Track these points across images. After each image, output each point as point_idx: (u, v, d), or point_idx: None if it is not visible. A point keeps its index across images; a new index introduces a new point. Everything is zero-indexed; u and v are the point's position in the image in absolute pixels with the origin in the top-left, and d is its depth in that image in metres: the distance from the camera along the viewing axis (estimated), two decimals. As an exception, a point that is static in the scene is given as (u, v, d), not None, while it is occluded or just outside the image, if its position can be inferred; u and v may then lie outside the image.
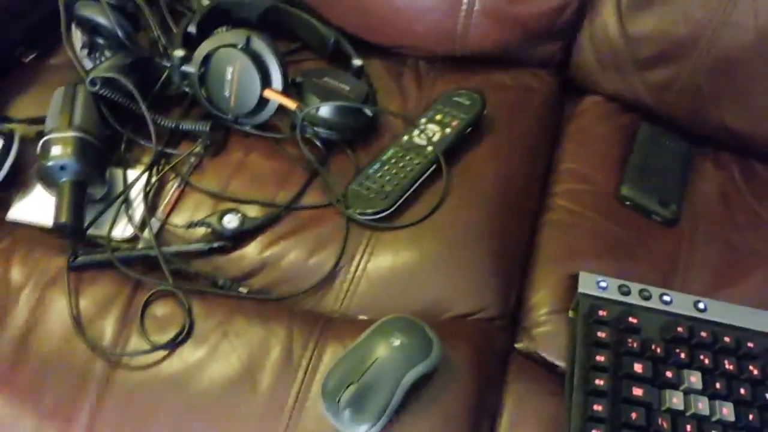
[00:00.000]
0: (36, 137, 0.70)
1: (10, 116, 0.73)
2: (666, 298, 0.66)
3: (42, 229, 0.68)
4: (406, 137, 0.75)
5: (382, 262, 0.67)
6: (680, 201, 0.75)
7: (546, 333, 0.67)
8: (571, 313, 0.66)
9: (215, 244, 0.67)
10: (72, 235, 0.65)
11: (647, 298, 0.66)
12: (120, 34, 0.75)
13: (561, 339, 0.65)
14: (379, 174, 0.71)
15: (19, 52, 0.82)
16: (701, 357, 0.61)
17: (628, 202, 0.74)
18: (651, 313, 0.64)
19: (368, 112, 0.74)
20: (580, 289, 0.65)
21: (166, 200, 0.70)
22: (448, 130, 0.75)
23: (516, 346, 0.67)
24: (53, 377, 0.59)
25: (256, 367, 0.59)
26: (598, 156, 0.79)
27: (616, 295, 0.65)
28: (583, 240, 0.72)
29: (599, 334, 0.62)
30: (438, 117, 0.76)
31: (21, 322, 0.61)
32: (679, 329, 0.63)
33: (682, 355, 0.61)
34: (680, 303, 0.66)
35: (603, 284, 0.66)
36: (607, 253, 0.70)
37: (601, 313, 0.63)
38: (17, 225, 0.69)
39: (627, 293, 0.66)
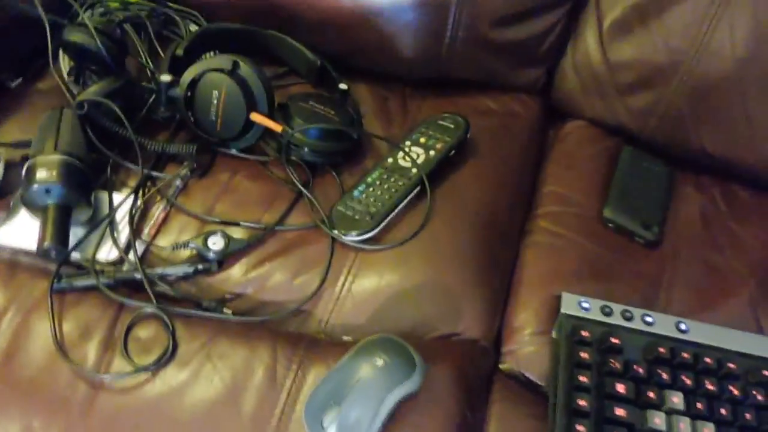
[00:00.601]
0: (21, 161, 0.70)
1: (-5, 139, 0.73)
2: (648, 319, 0.66)
3: (26, 253, 0.68)
4: (390, 159, 0.75)
5: (366, 282, 0.68)
6: (662, 223, 0.76)
7: (530, 354, 0.67)
8: (554, 334, 0.66)
9: (200, 266, 0.67)
10: (56, 258, 0.65)
11: (629, 319, 0.66)
12: (107, 59, 0.76)
13: (544, 360, 0.65)
14: (363, 195, 0.72)
15: (5, 78, 0.82)
16: (683, 377, 0.62)
17: (610, 225, 0.75)
18: (633, 334, 0.65)
19: (353, 134, 0.75)
20: (563, 310, 0.66)
21: (152, 222, 0.70)
22: (432, 152, 0.76)
23: (500, 366, 0.68)
24: (36, 401, 0.58)
25: (239, 389, 0.59)
26: (581, 179, 0.81)
27: (598, 316, 0.66)
28: (567, 261, 0.72)
29: (582, 354, 0.63)
30: (422, 140, 0.77)
31: (3, 346, 0.61)
32: (661, 350, 0.63)
33: (664, 376, 0.62)
34: (662, 324, 0.66)
35: (585, 305, 0.66)
36: (590, 274, 0.71)
37: (583, 333, 0.64)
38: (0, 248, 0.68)
39: (609, 314, 0.66)
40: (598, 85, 0.84)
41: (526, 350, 0.67)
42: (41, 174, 0.65)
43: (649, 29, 0.78)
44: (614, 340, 0.63)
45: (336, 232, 0.69)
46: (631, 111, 0.83)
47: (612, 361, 0.62)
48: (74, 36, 0.76)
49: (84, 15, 0.78)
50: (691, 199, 0.80)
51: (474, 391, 0.64)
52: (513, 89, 0.89)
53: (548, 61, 0.88)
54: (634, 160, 0.81)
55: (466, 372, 0.64)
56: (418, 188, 0.73)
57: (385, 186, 0.72)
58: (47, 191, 0.64)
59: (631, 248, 0.74)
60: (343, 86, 0.81)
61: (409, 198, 0.72)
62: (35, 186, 0.64)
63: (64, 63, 0.81)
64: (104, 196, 0.71)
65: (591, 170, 0.81)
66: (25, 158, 0.68)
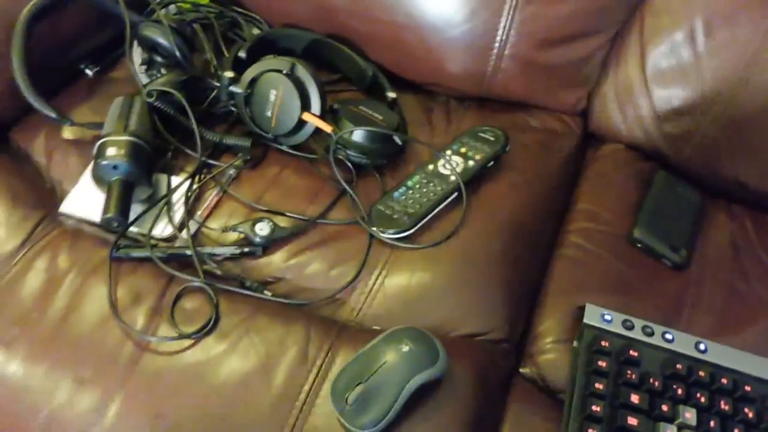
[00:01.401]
0: (92, 140, 0.76)
1: (72, 119, 0.79)
2: (668, 336, 0.68)
3: (89, 223, 0.74)
4: (431, 166, 0.79)
5: (398, 279, 0.71)
6: (690, 247, 0.78)
7: (550, 360, 0.69)
8: (575, 343, 0.69)
9: (246, 249, 0.72)
10: (117, 229, 0.70)
11: (649, 335, 0.68)
12: (177, 54, 0.82)
13: (564, 367, 0.67)
14: (403, 197, 0.76)
15: (84, 66, 0.89)
16: (698, 395, 0.63)
17: (639, 245, 0.77)
18: (652, 349, 0.67)
19: (398, 139, 0.79)
20: (585, 320, 0.68)
21: (205, 206, 0.76)
22: (471, 162, 0.79)
23: (520, 370, 0.70)
24: (87, 355, 0.63)
25: (272, 364, 0.63)
26: (613, 199, 0.83)
27: (619, 329, 0.68)
28: (593, 276, 0.75)
29: (600, 363, 0.65)
30: (463, 149, 0.81)
31: (63, 304, 0.66)
32: (678, 366, 0.65)
33: (679, 391, 0.63)
34: (681, 342, 0.68)
35: (608, 317, 0.69)
36: (615, 290, 0.73)
37: (603, 343, 0.66)
38: (67, 217, 0.75)
39: (630, 328, 0.68)
40: (636, 111, 0.87)
41: (547, 357, 0.70)
42: (111, 151, 0.71)
43: (691, 60, 0.81)
44: (633, 353, 0.65)
45: (374, 229, 0.73)
46: (667, 138, 0.86)
47: (629, 372, 0.64)
48: (149, 31, 0.82)
49: (162, 13, 0.84)
50: (721, 226, 0.81)
51: (492, 388, 0.67)
52: (553, 109, 0.92)
53: (589, 84, 0.91)
54: (667, 185, 0.83)
55: (487, 370, 0.67)
56: (455, 195, 0.77)
57: (424, 190, 0.76)
58: (114, 167, 0.70)
59: (657, 269, 0.76)
60: (391, 94, 0.85)
61: (445, 203, 0.76)
62: (104, 162, 0.70)
63: (137, 55, 0.88)
64: (163, 178, 0.77)
65: (624, 191, 0.83)
66: (97, 138, 0.74)
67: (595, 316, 0.69)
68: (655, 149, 0.88)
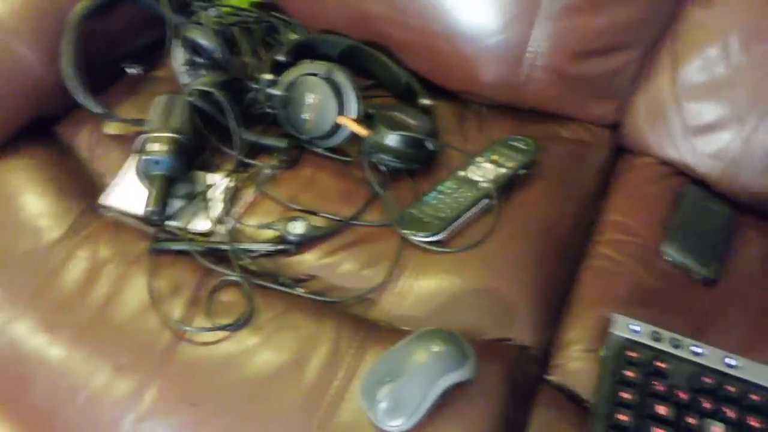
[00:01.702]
0: (133, 136, 0.79)
1: (117, 115, 0.82)
2: (696, 349, 0.68)
3: (130, 215, 0.76)
4: (463, 172, 0.80)
5: (429, 281, 0.73)
6: (720, 263, 0.77)
7: (577, 369, 0.70)
8: (602, 352, 0.69)
9: (281, 246, 0.74)
10: (158, 222, 0.73)
11: (678, 347, 0.68)
12: (219, 55, 0.85)
13: (590, 376, 0.68)
14: (435, 201, 0.77)
15: (129, 64, 0.92)
16: (726, 410, 0.63)
17: (668, 258, 0.77)
18: (680, 362, 0.67)
19: (431, 145, 0.81)
20: (614, 330, 0.69)
21: (241, 203, 0.78)
22: (502, 169, 0.80)
23: (547, 377, 0.71)
24: (125, 343, 0.65)
25: (304, 359, 0.64)
26: (644, 212, 0.83)
27: (647, 340, 0.68)
28: (622, 287, 0.75)
29: (627, 373, 0.65)
30: (494, 157, 0.82)
31: (103, 292, 0.69)
32: (707, 380, 0.65)
33: (707, 406, 0.63)
34: (710, 356, 0.68)
35: (636, 328, 0.69)
36: (644, 302, 0.73)
37: (630, 353, 0.66)
38: (108, 209, 0.77)
39: (658, 340, 0.68)
40: (667, 124, 0.87)
41: (574, 365, 0.70)
42: (153, 147, 0.73)
43: (725, 75, 0.81)
44: (660, 364, 0.66)
45: (406, 231, 0.75)
46: (698, 153, 0.85)
47: (656, 383, 0.64)
48: (193, 33, 0.85)
49: (204, 16, 0.87)
50: (752, 243, 0.81)
51: (519, 393, 0.67)
52: (584, 121, 0.93)
53: (621, 96, 0.91)
54: (698, 199, 0.83)
55: (514, 374, 0.67)
56: (487, 201, 0.78)
57: (456, 195, 0.77)
58: (157, 162, 0.73)
59: (686, 283, 0.76)
60: (425, 101, 0.86)
61: (476, 209, 0.77)
62: (147, 157, 0.73)
63: (179, 55, 0.90)
64: (202, 175, 0.79)
65: (655, 204, 0.83)
66: (138, 134, 0.77)
67: (622, 326, 0.69)
68: (685, 163, 0.88)
